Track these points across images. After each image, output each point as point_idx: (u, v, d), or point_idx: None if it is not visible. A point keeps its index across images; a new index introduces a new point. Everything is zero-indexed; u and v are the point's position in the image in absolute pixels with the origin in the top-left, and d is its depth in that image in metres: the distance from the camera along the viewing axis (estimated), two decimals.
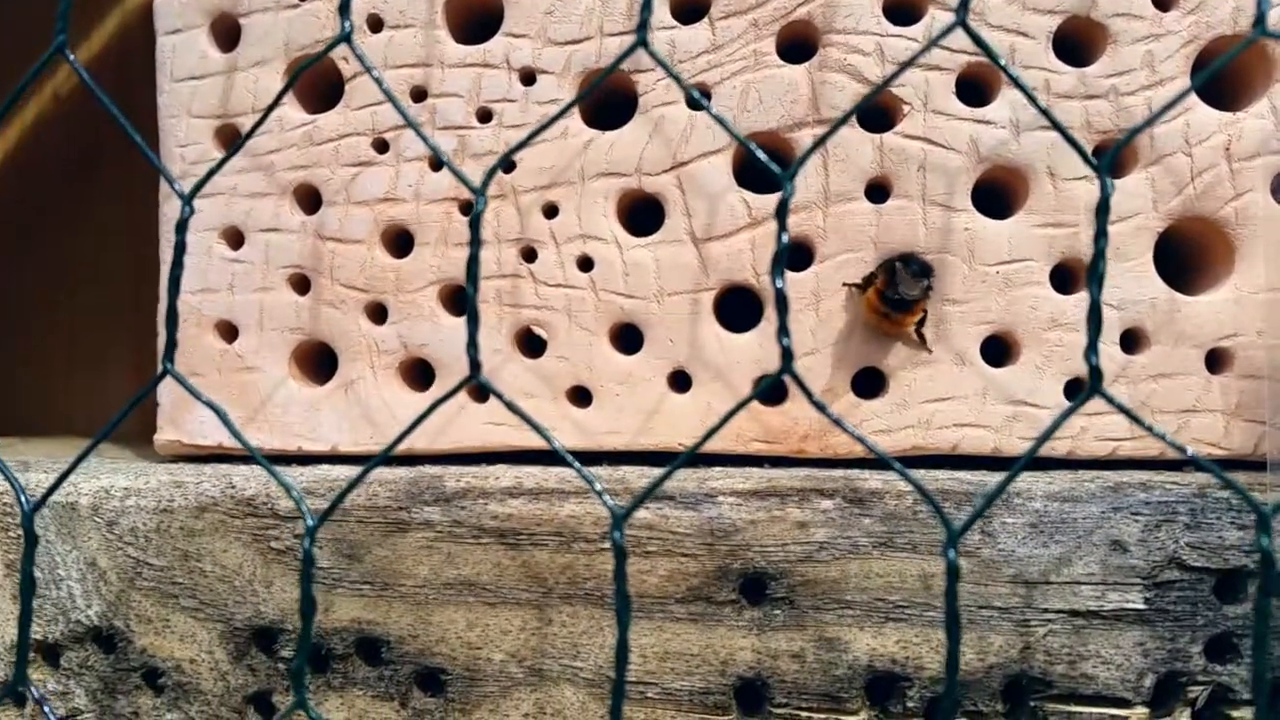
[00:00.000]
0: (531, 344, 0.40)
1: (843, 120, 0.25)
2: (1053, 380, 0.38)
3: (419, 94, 0.40)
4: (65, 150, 0.68)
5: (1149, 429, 0.23)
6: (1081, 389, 0.37)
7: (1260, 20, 0.24)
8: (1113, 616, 0.33)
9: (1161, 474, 0.36)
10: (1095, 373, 0.23)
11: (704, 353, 0.39)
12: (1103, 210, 0.23)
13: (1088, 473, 0.36)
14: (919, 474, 0.36)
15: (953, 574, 0.23)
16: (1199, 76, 0.25)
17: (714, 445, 0.38)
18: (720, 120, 0.25)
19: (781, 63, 0.39)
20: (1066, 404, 0.37)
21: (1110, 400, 0.24)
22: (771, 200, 0.38)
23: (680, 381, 0.39)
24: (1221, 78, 0.39)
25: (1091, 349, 0.23)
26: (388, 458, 0.39)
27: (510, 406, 0.26)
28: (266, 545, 0.35)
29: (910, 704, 0.33)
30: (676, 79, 0.25)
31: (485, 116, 0.40)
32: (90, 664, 0.36)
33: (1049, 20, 0.38)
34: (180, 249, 0.27)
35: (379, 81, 0.27)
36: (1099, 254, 0.23)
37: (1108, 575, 0.33)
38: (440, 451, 0.40)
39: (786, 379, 0.25)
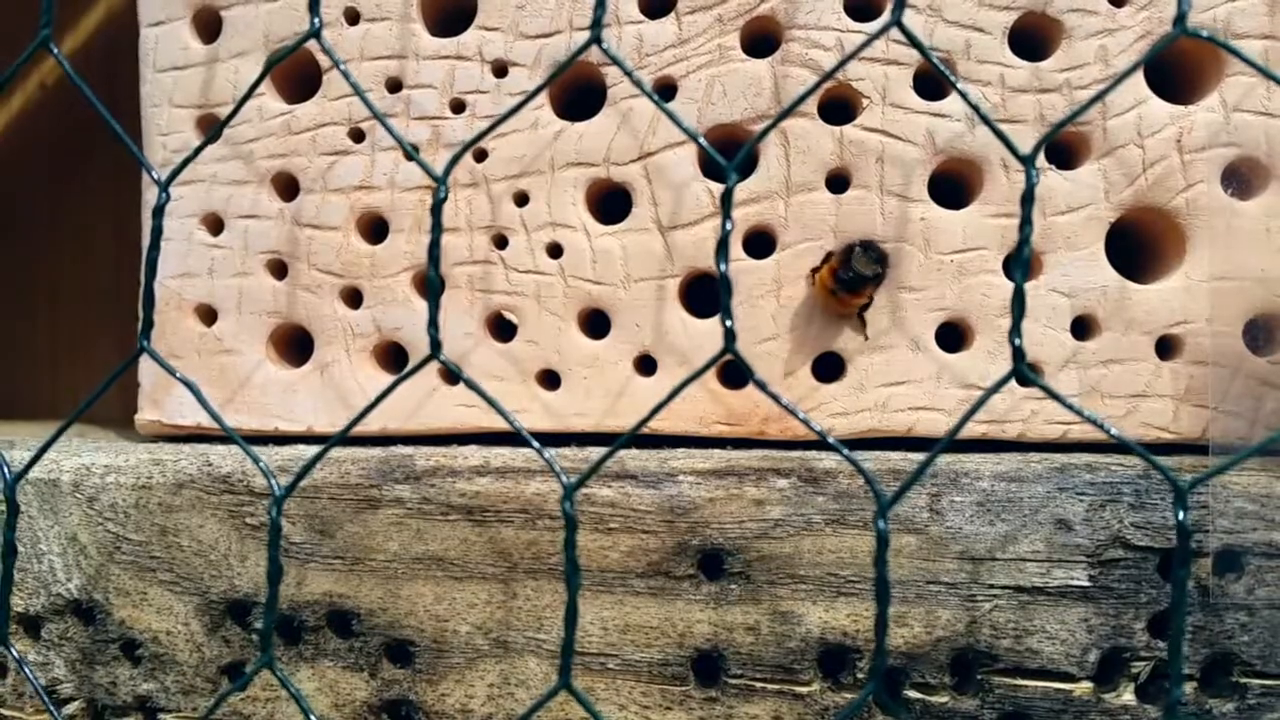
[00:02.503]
0: (502, 328, 0.41)
1: (785, 113, 0.26)
2: (1005, 365, 0.38)
3: (394, 85, 0.41)
4: (52, 140, 0.69)
5: (1062, 400, 0.25)
6: (1035, 373, 0.39)
7: (1180, 19, 0.25)
8: (1058, 593, 0.34)
9: (1108, 456, 0.37)
10: (1018, 353, 0.24)
11: (669, 337, 0.40)
12: (1028, 199, 0.25)
13: (1036, 454, 0.38)
14: (874, 454, 0.37)
15: (882, 542, 0.24)
16: (1119, 78, 0.26)
17: (678, 427, 0.40)
18: (665, 109, 0.26)
19: (745, 57, 0.40)
20: (1018, 388, 0.39)
21: (1034, 381, 0.25)
22: (735, 190, 0.39)
23: (646, 365, 0.40)
24: (1174, 72, 0.40)
25: (1015, 331, 0.24)
26: (363, 438, 0.40)
27: (468, 382, 0.27)
28: (242, 521, 0.37)
29: (860, 675, 0.35)
30: (629, 73, 0.26)
31: (459, 107, 0.41)
32: (70, 635, 0.37)
33: (1005, 16, 0.39)
34: (157, 233, 0.29)
35: (346, 74, 0.28)
36: (1024, 240, 0.25)
37: (1053, 553, 0.34)
38: (412, 432, 0.41)
39: (731, 358, 0.26)
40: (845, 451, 0.25)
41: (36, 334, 0.70)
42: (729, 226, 0.25)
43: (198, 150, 0.30)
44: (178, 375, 0.29)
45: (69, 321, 0.70)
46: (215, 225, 0.42)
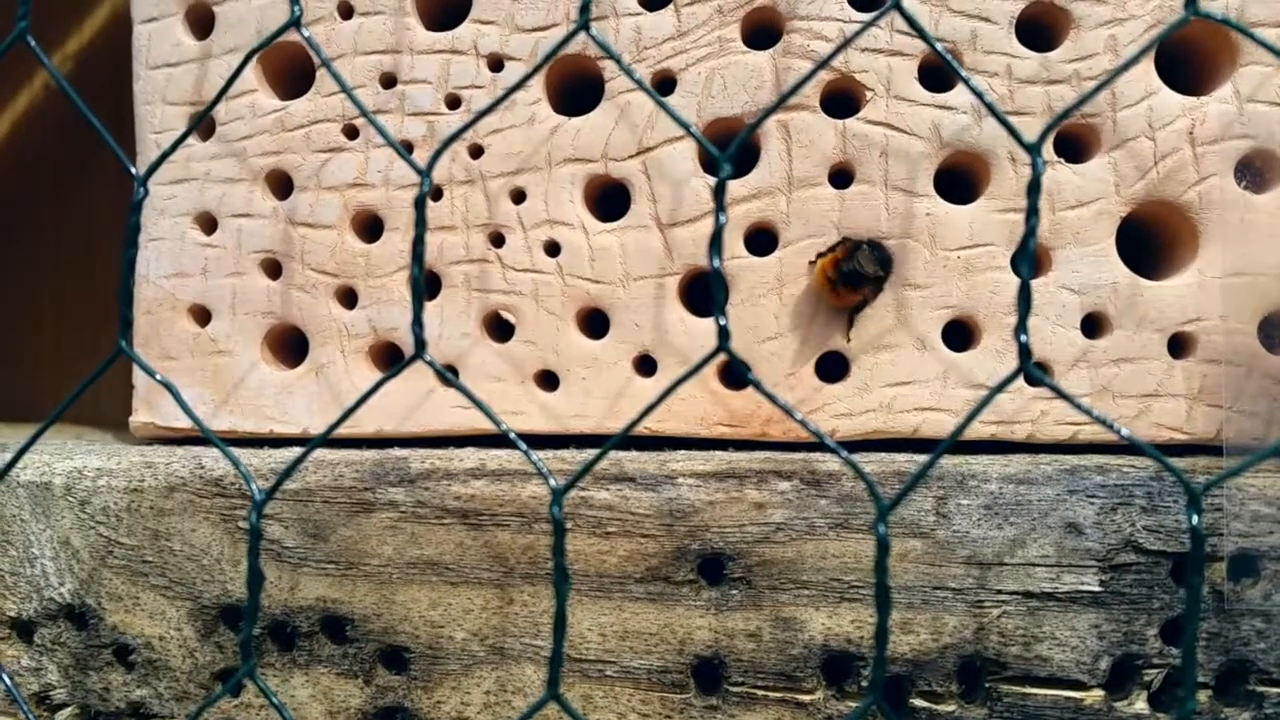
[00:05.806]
0: (500, 328, 0.41)
1: (779, 102, 0.25)
2: (1013, 364, 0.38)
3: (389, 80, 0.40)
4: (58, 143, 0.69)
5: (1071, 400, 0.24)
6: (1045, 372, 0.38)
7: (1191, 0, 0.24)
8: (1068, 599, 0.33)
9: (1119, 458, 0.36)
10: (1024, 350, 0.23)
11: (669, 336, 0.39)
12: (1034, 189, 0.24)
13: (1046, 456, 0.37)
14: (879, 456, 0.37)
15: (882, 548, 0.24)
16: (1130, 61, 0.25)
17: (679, 429, 0.39)
18: (656, 98, 0.25)
19: (746, 49, 0.39)
20: (1027, 388, 0.38)
21: (1042, 380, 0.24)
22: (736, 186, 0.39)
23: (646, 365, 0.40)
24: (1185, 62, 0.39)
25: (1020, 328, 0.24)
26: (357, 440, 0.40)
27: (447, 380, 0.26)
28: (234, 525, 0.36)
29: (864, 683, 0.34)
30: (618, 61, 0.26)
31: (454, 103, 0.40)
32: (63, 640, 0.37)
33: (1012, 5, 0.38)
34: (134, 230, 0.28)
35: (328, 66, 0.27)
36: (1030, 232, 0.24)
37: (1062, 558, 0.34)
38: (409, 435, 0.40)
39: (725, 355, 0.26)
40: (844, 454, 0.24)
41: (43, 339, 0.70)
42: (722, 220, 0.24)
43: (177, 143, 0.29)
44: (158, 378, 0.28)
45: (75, 326, 0.69)
46: (208, 224, 0.42)
